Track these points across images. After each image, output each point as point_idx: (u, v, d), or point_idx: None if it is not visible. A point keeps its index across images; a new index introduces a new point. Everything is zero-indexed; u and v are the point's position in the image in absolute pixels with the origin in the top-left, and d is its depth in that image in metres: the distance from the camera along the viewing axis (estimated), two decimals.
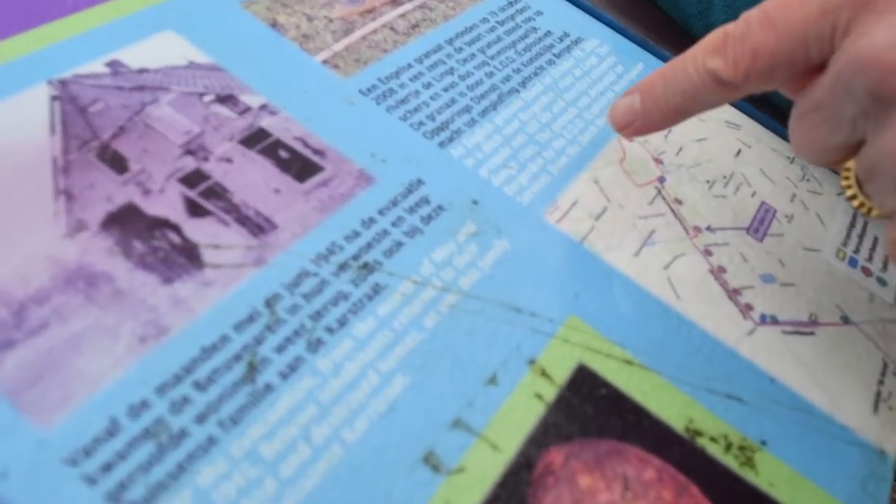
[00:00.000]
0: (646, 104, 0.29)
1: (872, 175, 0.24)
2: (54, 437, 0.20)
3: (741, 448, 0.26)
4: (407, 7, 0.38)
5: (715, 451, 0.26)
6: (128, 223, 0.24)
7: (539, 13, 0.41)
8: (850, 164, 0.27)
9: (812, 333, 0.31)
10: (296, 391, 0.22)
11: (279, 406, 0.22)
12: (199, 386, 0.22)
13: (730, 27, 0.26)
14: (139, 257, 0.23)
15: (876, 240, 0.37)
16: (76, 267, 0.23)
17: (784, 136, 0.41)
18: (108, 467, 0.19)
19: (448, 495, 0.22)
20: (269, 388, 0.22)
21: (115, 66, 0.29)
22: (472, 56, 0.36)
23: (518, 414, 0.24)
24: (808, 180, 0.38)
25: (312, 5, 0.35)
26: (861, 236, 0.37)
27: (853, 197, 0.27)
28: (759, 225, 0.34)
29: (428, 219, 0.28)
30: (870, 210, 0.27)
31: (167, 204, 0.25)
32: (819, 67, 0.25)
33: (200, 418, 0.21)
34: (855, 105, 0.23)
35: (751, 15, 0.25)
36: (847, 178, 0.27)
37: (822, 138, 0.25)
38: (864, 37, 0.22)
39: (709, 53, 0.26)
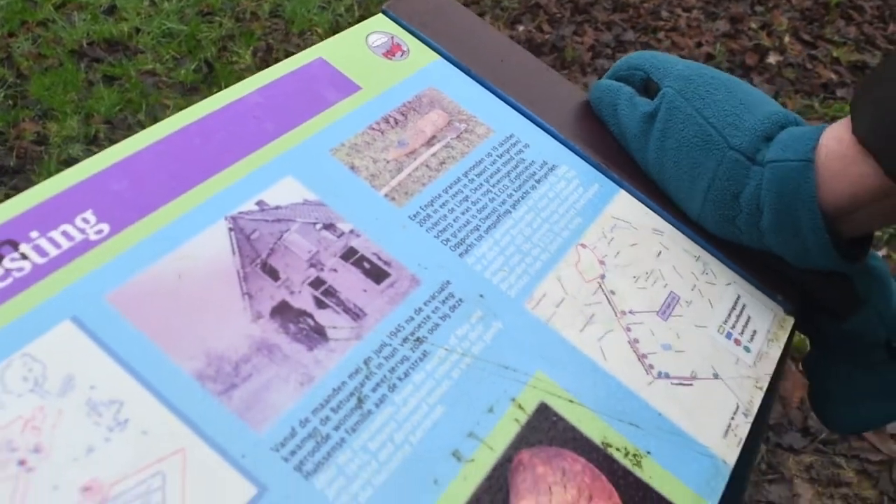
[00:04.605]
0: None
1: None
2: (264, 438, 0.38)
3: (634, 455, 0.44)
4: (436, 147, 0.56)
5: (618, 456, 0.44)
6: (284, 314, 0.42)
7: (527, 146, 0.59)
8: None
9: (691, 384, 0.49)
10: (384, 414, 0.40)
11: (377, 421, 0.40)
12: (334, 410, 0.39)
13: None
14: (293, 335, 0.41)
15: (749, 319, 0.55)
16: (261, 340, 0.41)
17: (694, 239, 0.59)
18: (294, 451, 0.37)
19: (465, 474, 0.40)
20: (369, 412, 0.40)
21: (261, 204, 0.47)
22: (481, 185, 0.54)
23: (504, 430, 0.42)
24: (706, 273, 0.56)
25: (375, 150, 0.53)
26: (738, 316, 0.55)
27: None
28: (667, 308, 0.52)
29: (453, 307, 0.46)
30: None
31: (304, 301, 0.43)
32: None
33: (336, 427, 0.39)
34: None
35: None
36: None
37: None
38: None
39: None
